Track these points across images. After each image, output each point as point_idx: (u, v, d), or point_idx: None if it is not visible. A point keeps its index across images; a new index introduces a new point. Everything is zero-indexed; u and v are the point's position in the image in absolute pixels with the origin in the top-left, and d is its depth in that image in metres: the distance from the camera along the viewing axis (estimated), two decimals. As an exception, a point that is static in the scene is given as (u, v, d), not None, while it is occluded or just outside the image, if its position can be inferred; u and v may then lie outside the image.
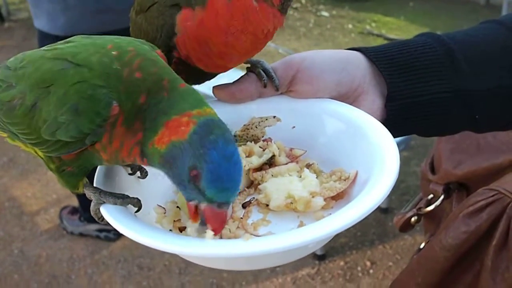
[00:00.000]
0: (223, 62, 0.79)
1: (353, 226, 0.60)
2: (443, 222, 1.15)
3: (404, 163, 4.20)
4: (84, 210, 3.48)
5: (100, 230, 3.46)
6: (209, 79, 0.86)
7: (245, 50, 0.77)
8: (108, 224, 0.66)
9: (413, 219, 1.31)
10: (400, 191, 3.83)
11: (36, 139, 0.65)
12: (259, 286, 3.08)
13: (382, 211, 3.62)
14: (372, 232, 3.49)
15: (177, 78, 0.66)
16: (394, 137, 0.80)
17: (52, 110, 0.62)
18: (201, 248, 0.60)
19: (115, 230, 0.65)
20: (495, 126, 1.00)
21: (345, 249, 3.35)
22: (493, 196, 1.04)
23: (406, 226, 1.32)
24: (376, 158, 0.72)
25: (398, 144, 3.19)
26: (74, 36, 0.71)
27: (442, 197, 1.28)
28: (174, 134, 0.59)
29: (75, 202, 3.63)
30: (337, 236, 3.41)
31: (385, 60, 0.87)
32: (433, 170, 1.37)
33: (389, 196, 3.65)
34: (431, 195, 1.32)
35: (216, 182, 0.59)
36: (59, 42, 0.71)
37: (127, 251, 3.39)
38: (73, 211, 3.60)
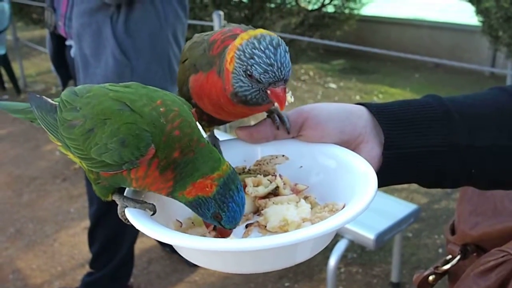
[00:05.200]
0: (219, 116, 0.98)
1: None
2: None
3: (415, 235, 4.12)
4: None
5: None
6: (224, 123, 1.03)
7: (227, 113, 0.94)
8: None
9: (431, 277, 1.32)
10: (411, 264, 3.74)
11: (85, 155, 0.84)
12: None
13: (394, 286, 3.51)
14: (384, 309, 3.37)
15: (201, 137, 0.84)
16: (394, 183, 0.99)
17: (105, 138, 0.80)
18: (203, 243, 0.74)
19: None
20: (495, 184, 1.05)
21: (356, 326, 3.23)
22: (503, 257, 1.05)
23: (424, 284, 1.34)
24: (360, 192, 0.85)
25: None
26: (133, 82, 0.88)
27: (458, 257, 1.30)
28: (200, 191, 0.81)
29: (73, 281, 3.52)
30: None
31: (385, 114, 0.97)
32: (453, 231, 1.40)
33: (400, 271, 3.55)
34: (450, 256, 1.34)
35: (232, 222, 0.83)
36: (120, 84, 0.88)
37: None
38: None
